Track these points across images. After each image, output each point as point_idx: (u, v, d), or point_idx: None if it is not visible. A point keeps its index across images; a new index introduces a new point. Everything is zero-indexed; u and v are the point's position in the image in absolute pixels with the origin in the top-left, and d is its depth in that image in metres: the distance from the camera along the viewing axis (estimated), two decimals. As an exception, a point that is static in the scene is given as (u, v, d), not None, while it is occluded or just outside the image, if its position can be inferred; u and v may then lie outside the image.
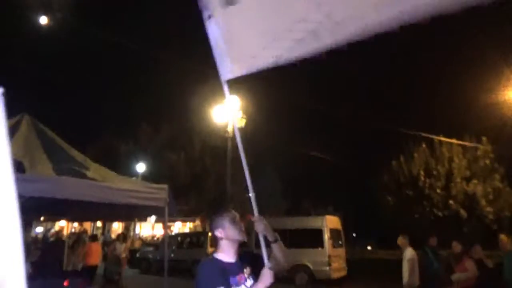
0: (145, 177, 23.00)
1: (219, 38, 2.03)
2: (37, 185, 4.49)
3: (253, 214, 2.27)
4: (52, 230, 24.98)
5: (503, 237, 6.72)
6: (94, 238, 12.37)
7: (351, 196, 31.86)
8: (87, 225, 25.68)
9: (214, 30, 2.02)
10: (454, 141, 20.77)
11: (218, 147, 21.21)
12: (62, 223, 23.78)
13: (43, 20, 14.03)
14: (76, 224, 23.59)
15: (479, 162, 20.74)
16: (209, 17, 2.01)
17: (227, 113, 15.08)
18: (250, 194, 2.32)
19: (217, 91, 16.69)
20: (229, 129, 15.23)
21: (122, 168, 21.57)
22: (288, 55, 1.80)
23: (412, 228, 20.94)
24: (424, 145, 21.89)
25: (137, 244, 23.77)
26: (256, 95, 16.71)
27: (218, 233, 2.18)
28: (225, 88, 2.25)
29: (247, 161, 2.29)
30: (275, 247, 2.28)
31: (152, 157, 24.83)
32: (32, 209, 6.46)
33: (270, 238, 2.28)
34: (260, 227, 2.25)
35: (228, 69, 2.10)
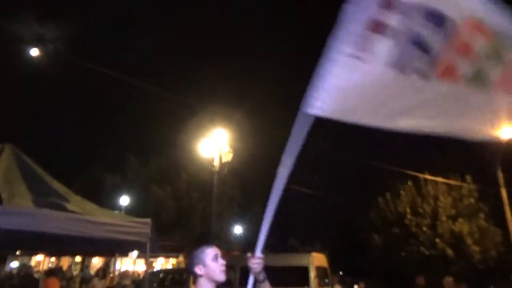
0: (130, 211, 22.47)
1: (340, 79, 1.98)
2: (14, 217, 4.34)
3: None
4: (28, 265, 23.90)
5: (448, 279, 6.84)
6: (50, 273, 10.67)
7: (339, 233, 31.58)
8: (65, 260, 24.66)
9: (343, 71, 1.97)
10: (439, 179, 20.96)
11: (205, 181, 20.98)
12: (39, 258, 22.81)
13: (34, 52, 14.06)
14: (53, 259, 22.63)
15: (464, 200, 20.89)
16: (356, 57, 1.95)
17: (214, 147, 15.04)
18: (263, 231, 2.26)
19: (204, 124, 16.76)
20: (215, 163, 15.10)
21: (107, 201, 21.04)
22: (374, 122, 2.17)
23: (399, 267, 20.75)
24: (410, 183, 22.04)
25: (116, 281, 22.81)
26: (244, 129, 16.76)
27: (198, 269, 2.05)
28: (300, 120, 2.19)
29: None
30: (263, 287, 2.21)
31: (138, 191, 24.41)
32: (8, 242, 6.20)
33: (261, 277, 2.20)
34: (258, 267, 2.17)
35: (318, 105, 2.02)
